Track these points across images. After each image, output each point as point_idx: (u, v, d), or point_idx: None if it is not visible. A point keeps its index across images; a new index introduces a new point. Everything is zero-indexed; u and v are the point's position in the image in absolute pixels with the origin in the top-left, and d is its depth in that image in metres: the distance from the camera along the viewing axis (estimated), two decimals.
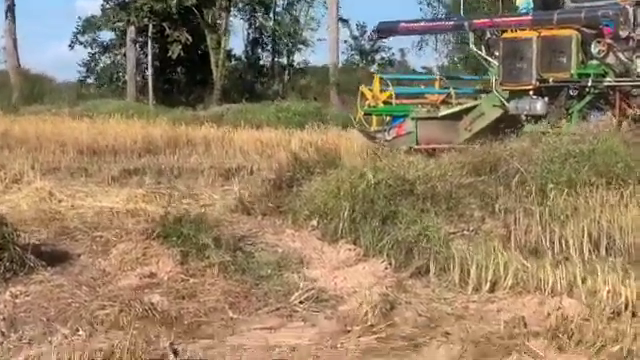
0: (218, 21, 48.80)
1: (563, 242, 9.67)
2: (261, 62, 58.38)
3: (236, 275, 8.58)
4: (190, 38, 46.96)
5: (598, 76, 16.34)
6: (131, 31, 48.37)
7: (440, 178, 10.43)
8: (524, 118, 17.25)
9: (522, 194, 10.41)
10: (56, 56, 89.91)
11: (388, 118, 19.13)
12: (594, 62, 16.61)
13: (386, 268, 9.00)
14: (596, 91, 16.38)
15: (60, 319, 7.37)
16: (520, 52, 17.27)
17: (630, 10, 16.26)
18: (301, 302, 7.99)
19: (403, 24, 20.55)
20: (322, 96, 47.36)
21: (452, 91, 19.85)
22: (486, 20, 18.87)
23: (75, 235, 10.05)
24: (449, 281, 8.55)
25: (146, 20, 46.98)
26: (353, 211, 9.77)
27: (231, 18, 51.34)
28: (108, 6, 50.14)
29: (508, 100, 17.57)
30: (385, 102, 19.15)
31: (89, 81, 55.74)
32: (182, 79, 52.85)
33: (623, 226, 9.78)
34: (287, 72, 57.62)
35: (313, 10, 56.77)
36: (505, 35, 17.91)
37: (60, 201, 14.35)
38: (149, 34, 47.70)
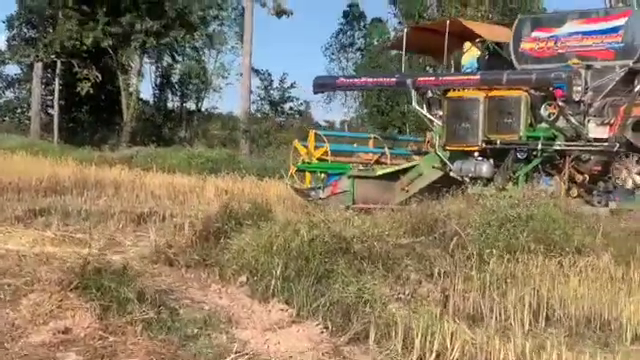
0: (131, 63, 47.95)
1: (502, 310, 9.25)
2: (169, 106, 57.69)
3: (160, 334, 7.85)
4: (100, 77, 45.87)
5: (548, 139, 16.08)
6: (38, 67, 47.02)
7: (377, 237, 9.91)
8: (468, 181, 16.78)
9: (460, 258, 9.97)
10: None
11: (323, 175, 18.55)
12: (543, 125, 16.35)
13: (322, 332, 8.39)
14: (545, 155, 16.11)
15: None
16: (466, 112, 16.93)
17: (582, 73, 16.08)
18: None
19: (342, 79, 20.19)
20: (230, 143, 46.85)
21: (387, 151, 19.53)
22: (431, 78, 18.51)
23: None
24: (390, 349, 7.99)
25: (54, 57, 45.72)
26: (286, 268, 9.17)
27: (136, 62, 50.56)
28: (14, 41, 48.66)
29: (451, 161, 17.16)
30: (319, 159, 18.63)
31: None
32: (88, 118, 51.57)
33: (564, 297, 9.43)
34: (195, 117, 57.02)
35: (222, 57, 56.70)
36: (450, 94, 17.53)
37: None
38: (57, 71, 46.40)
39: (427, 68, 32.30)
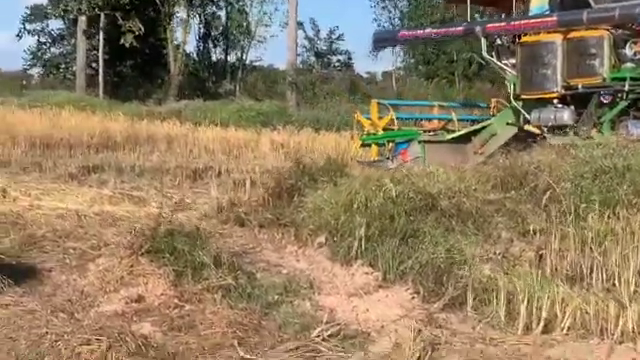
0: (176, 13, 47.27)
1: (604, 271, 8.46)
2: (212, 58, 56.93)
3: (241, 302, 7.20)
4: (143, 28, 45.17)
5: (635, 80, 14.94)
6: (82, 21, 46.43)
7: (464, 193, 9.13)
8: (546, 130, 15.74)
9: (555, 214, 9.15)
10: None
11: (390, 145, 17.67)
12: (628, 65, 15.21)
13: (412, 297, 7.71)
14: (632, 97, 14.97)
15: (33, 355, 5.95)
16: (542, 57, 15.70)
17: None
18: (323, 340, 6.65)
19: (403, 32, 18.99)
20: (276, 96, 46.11)
21: (454, 117, 18.58)
22: (501, 24, 17.28)
23: (43, 245, 8.56)
24: (491, 317, 7.26)
25: (97, 9, 45.07)
26: (369, 228, 8.43)
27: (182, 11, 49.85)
28: None
29: (527, 111, 16.11)
30: (385, 129, 17.78)
31: (34, 71, 53.72)
32: (131, 73, 51.03)
33: None
34: (239, 70, 56.28)
35: (265, 6, 55.69)
36: (524, 39, 16.38)
37: (15, 199, 12.94)
38: (100, 25, 45.78)
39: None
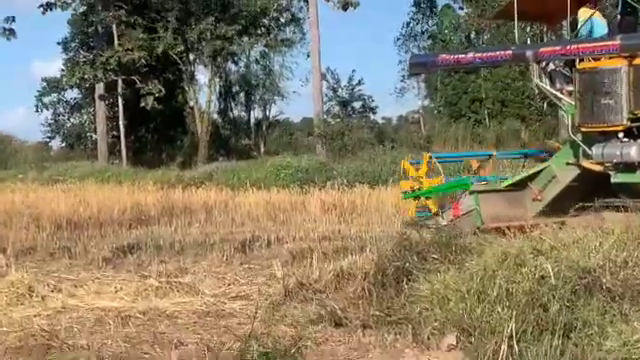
0: (196, 73, 45.80)
1: None
2: (231, 116, 55.44)
3: None
4: (163, 90, 43.52)
5: None
6: (99, 87, 44.89)
7: (631, 263, 6.99)
8: (610, 167, 13.79)
9: None
10: (14, 119, 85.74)
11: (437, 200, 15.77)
12: None
13: None
14: None
15: None
16: (605, 85, 13.86)
17: None
18: None
19: (444, 56, 16.98)
20: (302, 148, 44.32)
21: (494, 155, 16.70)
22: (556, 48, 15.38)
23: None
24: None
25: (113, 75, 43.49)
26: (520, 322, 6.29)
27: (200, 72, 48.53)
28: (69, 64, 46.56)
29: (589, 145, 14.14)
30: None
31: (54, 143, 52.32)
32: (153, 137, 49.42)
33: None
34: (264, 126, 54.76)
35: (287, 60, 54.28)
36: (582, 65, 14.48)
37: (44, 298, 10.90)
38: (118, 90, 44.20)
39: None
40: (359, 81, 56.19)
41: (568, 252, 7.02)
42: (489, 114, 49.65)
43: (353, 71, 57.17)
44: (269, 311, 8.81)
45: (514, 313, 6.38)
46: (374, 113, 57.04)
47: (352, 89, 56.83)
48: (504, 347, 6.26)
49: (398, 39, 56.48)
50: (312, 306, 8.79)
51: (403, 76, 55.83)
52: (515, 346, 6.26)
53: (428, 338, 6.82)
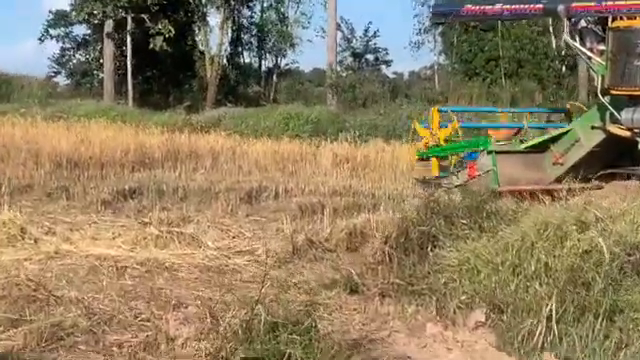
0: (207, 14, 44.72)
1: None
2: (241, 62, 54.36)
3: None
4: (173, 31, 42.51)
5: None
6: (108, 25, 43.85)
7: None
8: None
9: None
10: (21, 52, 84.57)
11: (454, 158, 15.03)
12: None
13: None
14: None
15: None
16: (639, 46, 13.17)
17: None
18: None
19: (469, 6, 16.10)
20: (313, 99, 43.41)
21: (526, 126, 15.90)
22: (590, 3, 14.53)
23: (74, 342, 5.77)
24: None
25: (123, 12, 42.48)
26: (561, 301, 5.61)
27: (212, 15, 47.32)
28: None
29: (618, 109, 13.42)
30: (447, 141, 15.17)
31: (59, 79, 51.35)
32: (160, 79, 48.46)
33: None
34: (275, 74, 53.73)
35: (302, 7, 52.96)
36: (616, 23, 13.69)
37: (36, 241, 10.30)
38: (128, 28, 43.18)
39: None
40: (374, 33, 54.99)
41: (614, 225, 6.31)
42: (505, 74, 48.61)
43: (369, 22, 55.69)
44: (277, 272, 8.17)
45: (555, 291, 5.69)
46: (388, 66, 55.82)
47: (367, 41, 55.62)
48: (541, 328, 5.62)
49: None
50: (322, 266, 8.16)
51: (419, 29, 54.51)
52: (554, 327, 5.60)
53: (454, 312, 6.17)
